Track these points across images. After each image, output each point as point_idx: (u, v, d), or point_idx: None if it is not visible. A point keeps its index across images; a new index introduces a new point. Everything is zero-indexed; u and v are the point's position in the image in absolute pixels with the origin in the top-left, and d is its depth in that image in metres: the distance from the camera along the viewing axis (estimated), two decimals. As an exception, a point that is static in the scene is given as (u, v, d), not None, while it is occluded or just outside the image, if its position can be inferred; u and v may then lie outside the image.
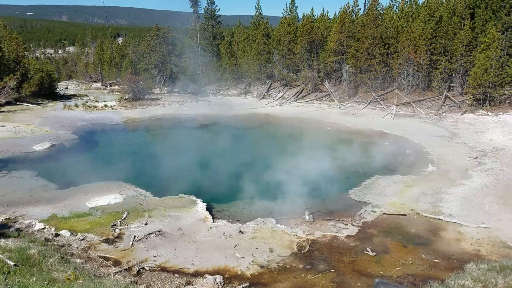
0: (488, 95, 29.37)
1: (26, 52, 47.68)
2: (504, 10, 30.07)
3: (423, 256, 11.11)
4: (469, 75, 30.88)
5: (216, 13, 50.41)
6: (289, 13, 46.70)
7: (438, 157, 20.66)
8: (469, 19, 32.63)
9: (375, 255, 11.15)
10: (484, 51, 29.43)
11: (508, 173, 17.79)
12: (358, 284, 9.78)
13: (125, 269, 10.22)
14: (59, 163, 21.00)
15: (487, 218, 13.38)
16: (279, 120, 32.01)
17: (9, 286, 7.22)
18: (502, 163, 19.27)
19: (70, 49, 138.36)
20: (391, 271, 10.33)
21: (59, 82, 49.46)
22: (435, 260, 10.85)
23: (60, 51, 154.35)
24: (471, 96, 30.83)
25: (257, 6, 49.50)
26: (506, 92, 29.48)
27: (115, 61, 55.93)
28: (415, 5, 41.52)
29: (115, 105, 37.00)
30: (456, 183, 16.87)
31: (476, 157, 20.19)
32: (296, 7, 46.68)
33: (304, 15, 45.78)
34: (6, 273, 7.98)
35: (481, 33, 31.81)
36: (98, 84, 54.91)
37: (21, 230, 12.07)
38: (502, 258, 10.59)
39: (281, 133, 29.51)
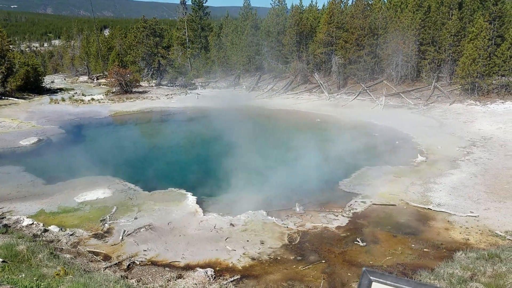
0: (476, 85, 29.59)
1: (11, 46, 46.84)
2: (491, 0, 30.24)
3: (413, 245, 11.19)
4: (458, 65, 31.06)
5: (203, 4, 49.99)
6: (278, 4, 46.42)
7: (427, 147, 20.80)
8: (457, 9, 32.78)
9: (365, 245, 11.20)
10: (472, 41, 29.60)
11: (496, 162, 17.97)
12: (349, 274, 9.82)
13: (115, 264, 10.15)
14: (47, 158, 20.74)
15: (475, 207, 13.51)
16: (269, 113, 31.94)
17: (-3, 283, 7.12)
18: (490, 152, 19.45)
19: (56, 42, 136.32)
20: (381, 261, 10.40)
21: (45, 76, 48.74)
22: (425, 249, 10.94)
23: (45, 45, 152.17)
24: (460, 86, 31.07)
25: (245, -3, 49.16)
26: (494, 82, 29.70)
27: (101, 54, 55.25)
28: (403, -5, 41.53)
29: (102, 99, 36.60)
30: (445, 173, 17.00)
31: (465, 147, 20.37)
32: (284, -3, 46.45)
33: (292, 6, 45.54)
34: (-6, 269, 7.88)
35: (469, 23, 32.00)
36: (85, 78, 54.27)
37: (9, 226, 11.91)
38: (491, 246, 10.71)
39: (271, 125, 29.47)
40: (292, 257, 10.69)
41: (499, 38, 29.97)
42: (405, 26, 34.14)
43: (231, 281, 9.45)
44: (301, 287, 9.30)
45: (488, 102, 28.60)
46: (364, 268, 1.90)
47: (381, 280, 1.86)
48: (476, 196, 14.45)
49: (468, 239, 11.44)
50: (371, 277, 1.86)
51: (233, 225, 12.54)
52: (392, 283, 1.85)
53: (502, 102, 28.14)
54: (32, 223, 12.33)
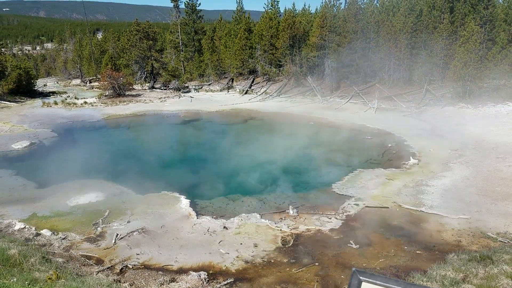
0: (468, 88, 29.81)
1: (3, 49, 46.63)
2: (482, 4, 30.61)
3: (406, 247, 11.23)
4: (449, 68, 31.29)
5: (197, 8, 50.06)
6: (271, 7, 46.64)
7: (419, 150, 20.91)
8: (449, 13, 33.07)
9: (358, 248, 11.23)
10: (463, 45, 29.84)
11: (488, 165, 18.09)
12: (342, 276, 9.84)
13: (107, 268, 10.10)
14: (39, 161, 20.63)
15: (467, 209, 13.59)
16: (262, 116, 31.98)
17: (-12, 287, 7.06)
18: (482, 154, 19.59)
19: (48, 45, 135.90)
20: (374, 263, 10.43)
21: (37, 79, 48.52)
22: (417, 252, 10.98)
23: (38, 48, 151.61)
24: (451, 89, 31.28)
25: (238, 1, 49.31)
26: (485, 85, 29.93)
27: (94, 57, 55.11)
28: (395, -1, 41.87)
29: (95, 102, 36.48)
30: (437, 175, 17.10)
31: (457, 149, 20.49)
32: (277, 1, 46.69)
33: (285, 9, 45.81)
34: (-15, 274, 7.81)
35: (460, 27, 32.25)
36: (78, 81, 54.10)
37: (1, 230, 11.83)
38: (482, 248, 10.77)
39: (264, 128, 29.49)
40: (285, 260, 10.69)
41: (490, 41, 30.26)
42: (397, 30, 34.38)
43: (225, 285, 9.44)
44: (294, 290, 9.31)
45: (480, 105, 28.80)
46: (354, 269, 1.92)
47: (370, 280, 1.88)
48: (468, 198, 14.55)
49: (460, 241, 11.51)
50: (361, 277, 1.88)
51: (226, 228, 12.52)
52: (382, 283, 1.87)
53: (493, 105, 28.35)
54: (24, 227, 12.24)
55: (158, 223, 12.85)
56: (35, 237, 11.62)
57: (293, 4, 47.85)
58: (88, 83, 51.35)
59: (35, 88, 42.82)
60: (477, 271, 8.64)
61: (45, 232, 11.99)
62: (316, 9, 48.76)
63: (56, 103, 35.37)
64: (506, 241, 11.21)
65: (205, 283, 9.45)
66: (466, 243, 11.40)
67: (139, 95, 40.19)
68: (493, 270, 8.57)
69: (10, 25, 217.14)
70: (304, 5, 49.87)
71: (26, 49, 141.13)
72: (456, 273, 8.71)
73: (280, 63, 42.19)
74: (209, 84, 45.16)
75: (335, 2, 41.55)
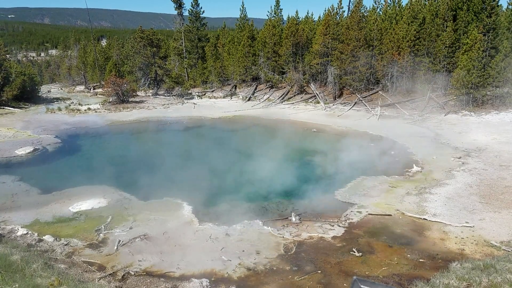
0: (471, 96, 29.81)
1: (7, 55, 46.91)
2: (485, 12, 30.65)
3: (409, 255, 11.19)
4: (452, 76, 31.30)
5: (200, 15, 50.33)
6: (274, 15, 46.88)
7: (422, 157, 20.87)
8: (452, 21, 33.13)
9: (361, 256, 11.19)
10: (466, 53, 29.88)
11: (491, 173, 18.04)
12: (345, 284, 9.80)
13: (109, 274, 10.09)
14: (42, 167, 20.69)
15: (471, 217, 13.54)
16: (265, 122, 32.02)
17: (-10, 293, 7.06)
18: (485, 162, 19.53)
19: (53, 52, 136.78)
20: (377, 271, 10.38)
21: (41, 86, 48.81)
22: (420, 260, 10.94)
23: (42, 54, 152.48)
24: (454, 97, 31.27)
25: (241, 8, 49.59)
26: (488, 93, 29.95)
27: (98, 64, 55.34)
28: (399, 7, 42.04)
29: (98, 108, 36.62)
30: (440, 183, 17.05)
31: (460, 157, 20.45)
32: (281, 9, 46.97)
33: (289, 17, 46.00)
34: (-13, 280, 7.81)
35: (463, 35, 32.31)
36: (82, 87, 54.31)
37: (3, 236, 11.83)
38: (486, 257, 10.71)
39: (267, 135, 29.48)
40: (288, 268, 10.66)
41: (493, 49, 30.26)
42: (400, 38, 34.45)
43: (227, 292, 9.41)
44: (296, 298, 9.27)
45: (483, 113, 28.79)
46: (354, 277, 1.92)
47: None
48: (471, 207, 14.49)
49: (463, 250, 11.45)
50: (362, 286, 1.88)
51: (228, 235, 12.51)
52: None
53: (497, 113, 28.35)
54: (27, 233, 12.26)
55: (160, 230, 12.85)
56: (38, 243, 11.63)
57: (296, 12, 48.27)
58: (92, 89, 51.55)
59: (39, 94, 43.06)
60: (481, 280, 8.58)
61: (48, 238, 12.01)
62: (319, 17, 48.87)
63: (60, 109, 35.53)
64: (509, 250, 11.16)
65: (207, 290, 9.42)
66: (469, 251, 11.35)
67: (142, 101, 40.33)
68: (497, 279, 8.51)
69: (15, 32, 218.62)
70: (307, 13, 50.16)
71: (30, 56, 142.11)
72: (460, 282, 8.66)
73: (283, 70, 42.32)
74: (212, 91, 45.28)
75: (338, 10, 41.74)
